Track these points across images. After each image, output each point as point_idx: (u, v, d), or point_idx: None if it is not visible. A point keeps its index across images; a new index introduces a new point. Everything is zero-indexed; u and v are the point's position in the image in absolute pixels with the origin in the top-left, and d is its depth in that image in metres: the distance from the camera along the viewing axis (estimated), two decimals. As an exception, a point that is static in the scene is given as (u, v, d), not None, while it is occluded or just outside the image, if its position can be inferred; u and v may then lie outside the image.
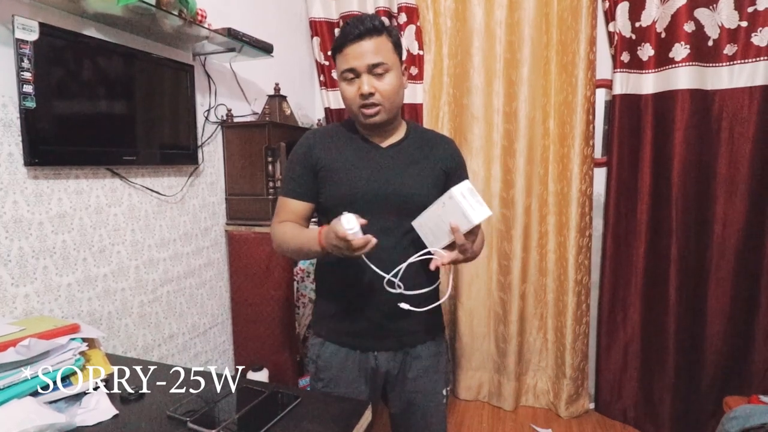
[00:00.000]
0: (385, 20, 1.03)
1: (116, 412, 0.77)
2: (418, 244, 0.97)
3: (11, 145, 1.06)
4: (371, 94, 0.96)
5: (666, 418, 1.95)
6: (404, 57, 2.23)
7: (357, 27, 0.95)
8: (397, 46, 1.00)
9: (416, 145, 1.07)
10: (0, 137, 1.04)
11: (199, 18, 1.38)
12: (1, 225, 1.05)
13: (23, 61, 1.03)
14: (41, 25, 1.05)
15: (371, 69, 0.96)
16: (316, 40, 2.27)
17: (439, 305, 1.15)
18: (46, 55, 1.07)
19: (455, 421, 2.12)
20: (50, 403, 0.77)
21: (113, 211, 1.32)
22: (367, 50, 0.95)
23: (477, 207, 0.87)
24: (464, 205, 0.87)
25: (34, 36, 1.04)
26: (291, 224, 1.05)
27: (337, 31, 2.30)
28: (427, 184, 1.03)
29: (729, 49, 1.75)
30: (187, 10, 1.29)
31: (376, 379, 1.09)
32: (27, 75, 1.04)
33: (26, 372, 0.76)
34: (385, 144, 1.06)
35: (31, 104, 1.05)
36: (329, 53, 2.19)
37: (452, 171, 1.09)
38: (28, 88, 1.04)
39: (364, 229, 0.87)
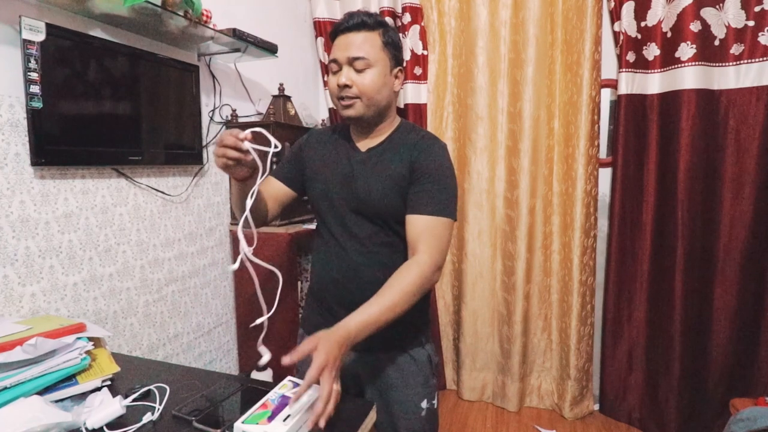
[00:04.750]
0: (389, 20, 1.01)
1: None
2: (384, 249, 0.99)
3: (18, 145, 1.07)
4: (347, 87, 0.94)
5: (671, 420, 1.93)
6: (407, 58, 2.17)
7: (347, 20, 0.95)
8: (389, 46, 0.96)
9: (393, 150, 1.00)
10: (7, 137, 1.05)
11: (204, 18, 1.39)
12: (8, 224, 1.05)
13: (30, 62, 1.03)
14: (48, 25, 1.06)
15: (352, 62, 0.94)
16: (320, 40, 2.27)
17: (427, 313, 1.10)
18: (52, 55, 1.08)
19: (459, 422, 2.11)
20: (56, 401, 0.78)
21: (119, 211, 1.33)
22: (351, 43, 0.94)
23: None
24: None
25: (40, 37, 1.05)
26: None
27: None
28: (388, 191, 0.97)
29: (736, 49, 1.74)
30: (192, 10, 1.30)
31: (345, 379, 1.03)
32: (34, 75, 1.04)
33: (33, 371, 0.77)
34: (365, 147, 1.03)
35: (37, 104, 1.06)
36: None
37: (414, 174, 0.96)
38: (35, 89, 1.05)
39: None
